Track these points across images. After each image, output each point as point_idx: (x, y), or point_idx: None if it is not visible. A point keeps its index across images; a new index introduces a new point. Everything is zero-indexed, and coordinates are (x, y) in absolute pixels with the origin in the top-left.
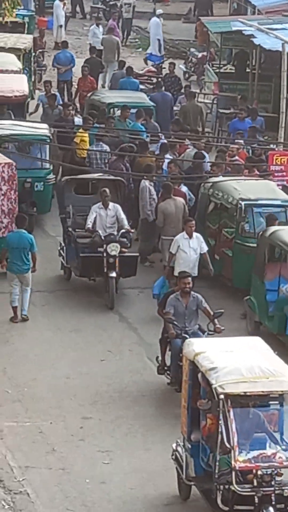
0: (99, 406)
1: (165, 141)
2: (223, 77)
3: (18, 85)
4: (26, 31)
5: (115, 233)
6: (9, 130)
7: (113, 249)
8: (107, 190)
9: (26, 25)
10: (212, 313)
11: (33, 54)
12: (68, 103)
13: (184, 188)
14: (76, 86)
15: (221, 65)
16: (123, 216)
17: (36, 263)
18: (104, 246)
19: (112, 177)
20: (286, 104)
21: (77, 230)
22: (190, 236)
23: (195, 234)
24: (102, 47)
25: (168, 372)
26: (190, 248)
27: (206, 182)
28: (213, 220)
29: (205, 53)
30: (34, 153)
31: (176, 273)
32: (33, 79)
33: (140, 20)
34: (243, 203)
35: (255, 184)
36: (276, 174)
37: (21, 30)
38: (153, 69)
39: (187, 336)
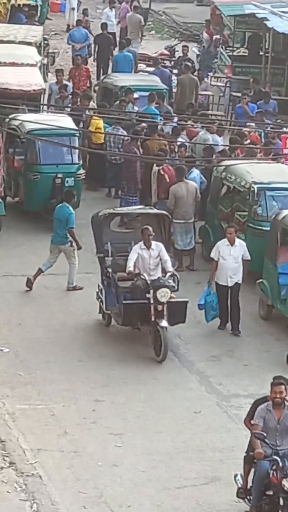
0: (111, 388)
1: (176, 124)
2: (236, 60)
3: (35, 78)
4: (39, 14)
5: (159, 275)
6: (36, 124)
7: (163, 295)
8: (150, 228)
9: (39, 8)
10: None
11: (45, 42)
12: (61, 69)
13: (196, 172)
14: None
15: (234, 48)
16: (167, 257)
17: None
18: (151, 291)
19: (155, 211)
20: None
21: (117, 272)
22: (232, 243)
23: (237, 241)
24: (114, 30)
25: (249, 497)
26: (230, 256)
27: (219, 166)
28: (225, 203)
29: (218, 36)
30: (63, 148)
31: (217, 281)
32: (45, 62)
33: (154, 3)
34: (256, 186)
35: (268, 167)
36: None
37: (34, 13)
38: (166, 52)
39: (277, 458)
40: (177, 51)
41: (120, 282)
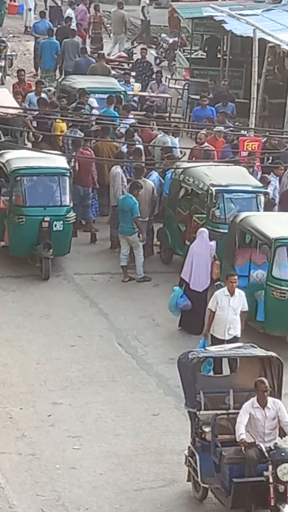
0: (69, 391)
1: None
2: (194, 62)
3: (9, 102)
4: None
5: (275, 440)
6: (24, 163)
7: (285, 472)
8: (266, 382)
9: None
10: None
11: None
12: (41, 81)
13: (155, 174)
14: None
15: (192, 51)
16: (287, 418)
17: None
18: (270, 466)
19: (261, 352)
20: (257, 90)
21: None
22: (232, 294)
23: (237, 291)
24: (75, 28)
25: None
26: (229, 307)
27: (177, 168)
28: (184, 205)
29: (176, 39)
30: (53, 188)
31: (214, 334)
32: (3, 64)
33: (106, 5)
34: (214, 189)
35: (226, 170)
36: (246, 160)
37: None
38: (124, 54)
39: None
40: (135, 53)
41: (224, 448)
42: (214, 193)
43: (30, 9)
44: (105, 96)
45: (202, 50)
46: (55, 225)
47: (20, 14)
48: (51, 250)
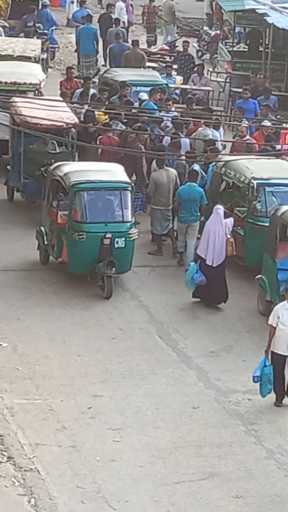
0: (110, 384)
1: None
2: (236, 55)
3: (67, 112)
4: (39, 7)
5: None
6: (84, 177)
7: None
8: None
9: (39, 2)
10: None
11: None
12: (89, 76)
13: (196, 167)
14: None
15: (234, 44)
16: None
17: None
18: None
19: None
20: None
21: None
22: None
23: None
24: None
25: None
26: None
27: (219, 161)
28: (225, 199)
29: (218, 32)
30: (114, 203)
31: (275, 350)
32: (45, 57)
33: None
34: (255, 182)
35: (267, 163)
36: None
37: (34, 7)
38: (166, 47)
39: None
40: (177, 46)
41: None
42: (255, 186)
43: (72, 2)
44: (147, 89)
45: (244, 43)
46: (117, 242)
47: (63, 7)
48: (114, 269)
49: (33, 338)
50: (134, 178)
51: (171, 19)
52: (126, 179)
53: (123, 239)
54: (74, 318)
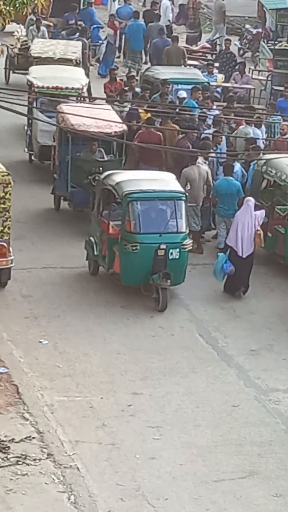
0: (150, 381)
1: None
2: (278, 53)
3: (114, 118)
4: (81, 6)
5: None
6: (137, 186)
7: None
8: None
9: (82, 1)
10: None
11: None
12: (132, 75)
13: (237, 165)
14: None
15: (276, 42)
16: None
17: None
18: None
19: None
20: None
21: None
22: None
23: None
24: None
25: None
26: None
27: (260, 159)
28: (266, 197)
29: (260, 30)
30: (168, 213)
31: None
32: (87, 55)
33: None
34: None
35: None
36: None
37: (76, 5)
38: (208, 45)
39: None
40: (219, 44)
41: None
42: None
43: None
44: (188, 87)
45: (286, 41)
46: (171, 253)
47: (104, 5)
48: (169, 281)
49: (74, 336)
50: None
51: (221, 19)
52: (180, 188)
53: (178, 250)
54: (114, 316)
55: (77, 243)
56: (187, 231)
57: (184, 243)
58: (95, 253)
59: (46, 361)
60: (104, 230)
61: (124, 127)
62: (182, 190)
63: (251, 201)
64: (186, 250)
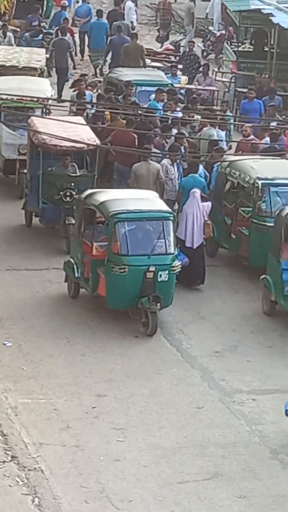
0: (114, 383)
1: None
2: (241, 55)
3: (87, 133)
4: (45, 8)
5: None
6: (122, 206)
7: None
8: None
9: (45, 2)
10: None
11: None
12: (80, 78)
13: (200, 167)
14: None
15: (239, 44)
16: None
17: None
18: None
19: None
20: None
21: None
22: None
23: None
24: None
25: None
26: None
27: (223, 161)
28: (230, 199)
29: (223, 32)
30: (156, 234)
31: None
32: (48, 56)
33: None
34: (260, 182)
35: (272, 163)
36: None
37: (38, 7)
38: (171, 47)
39: None
40: (183, 46)
41: None
42: (260, 187)
43: (78, 1)
44: (152, 88)
45: (249, 43)
46: (160, 276)
47: (69, 7)
48: (159, 304)
49: (38, 338)
50: None
51: (190, 20)
52: (166, 208)
53: (167, 272)
54: (78, 318)
55: (41, 245)
56: (176, 252)
57: (173, 264)
58: (76, 275)
59: (10, 363)
60: (87, 251)
61: (97, 141)
62: (169, 209)
63: (197, 192)
64: (175, 272)
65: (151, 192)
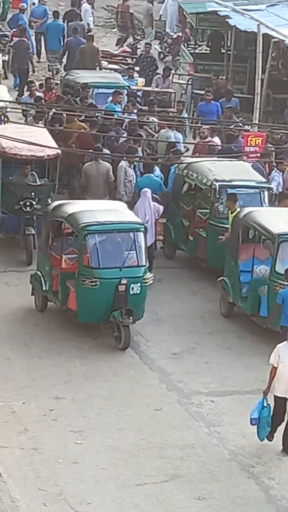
0: (72, 386)
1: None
2: (198, 57)
3: (47, 140)
4: (1, 10)
5: None
6: (92, 218)
7: None
8: None
9: (1, 4)
10: None
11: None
12: (31, 80)
13: (157, 170)
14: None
15: (196, 46)
16: None
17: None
18: None
19: None
20: (261, 85)
21: None
22: None
23: None
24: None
25: None
26: None
27: (181, 163)
28: (187, 201)
29: (180, 34)
30: (127, 246)
31: (274, 392)
32: (6, 59)
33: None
34: (217, 184)
35: (229, 165)
36: (250, 155)
37: None
38: (128, 49)
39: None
40: (139, 48)
41: None
42: (217, 188)
43: (34, 3)
44: (109, 90)
45: (206, 45)
46: (132, 288)
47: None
48: (131, 317)
49: None
50: None
51: (149, 22)
52: (137, 219)
53: (139, 284)
54: (36, 320)
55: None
56: (147, 265)
57: (145, 277)
58: (44, 288)
59: None
60: (55, 264)
61: (58, 150)
62: (140, 220)
63: (148, 191)
64: (147, 284)
65: (120, 202)
